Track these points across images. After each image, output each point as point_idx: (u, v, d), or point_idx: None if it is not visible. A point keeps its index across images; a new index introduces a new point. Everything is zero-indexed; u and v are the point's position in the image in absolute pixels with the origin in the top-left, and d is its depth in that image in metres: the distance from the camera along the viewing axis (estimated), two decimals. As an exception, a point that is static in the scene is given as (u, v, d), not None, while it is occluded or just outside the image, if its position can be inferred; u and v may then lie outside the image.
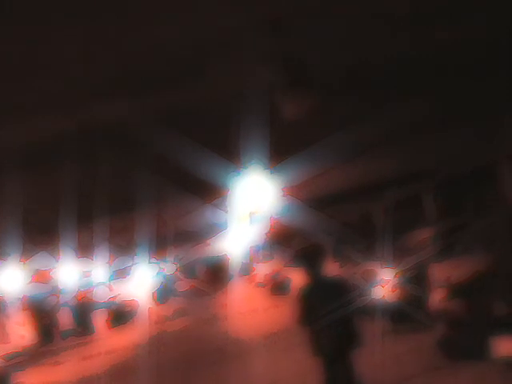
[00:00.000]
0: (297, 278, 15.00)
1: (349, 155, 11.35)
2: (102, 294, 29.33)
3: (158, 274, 32.76)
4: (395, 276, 12.37)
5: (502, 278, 9.33)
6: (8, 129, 9.09)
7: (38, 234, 15.45)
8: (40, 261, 20.67)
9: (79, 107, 8.78)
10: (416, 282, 11.66)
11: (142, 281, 31.28)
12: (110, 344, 22.86)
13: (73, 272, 24.68)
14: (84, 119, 9.21)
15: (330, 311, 8.07)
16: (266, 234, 24.27)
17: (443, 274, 10.52)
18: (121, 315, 28.84)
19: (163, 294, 32.15)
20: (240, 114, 9.00)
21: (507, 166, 12.59)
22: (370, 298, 12.82)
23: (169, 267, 33.61)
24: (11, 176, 10.62)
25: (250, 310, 21.99)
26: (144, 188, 12.25)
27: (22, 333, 25.19)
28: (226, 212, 16.82)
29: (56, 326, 26.66)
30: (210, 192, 13.48)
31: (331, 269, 15.35)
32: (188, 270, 34.48)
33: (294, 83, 7.83)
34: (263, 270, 27.92)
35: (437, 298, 10.39)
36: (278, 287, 23.95)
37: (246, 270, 31.13)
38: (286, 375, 11.12)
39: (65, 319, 26.90)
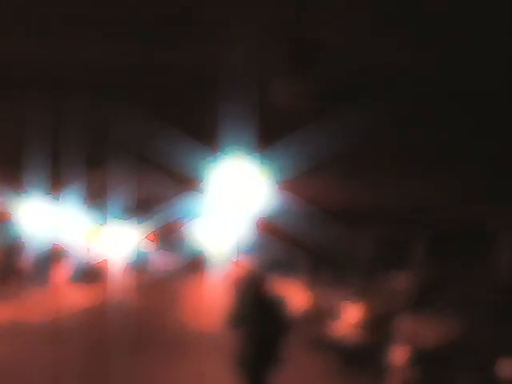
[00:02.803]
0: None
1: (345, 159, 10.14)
2: (73, 247, 28.44)
3: (136, 241, 31.81)
4: (360, 315, 11.17)
5: (471, 351, 8.32)
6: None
7: (14, 171, 14.63)
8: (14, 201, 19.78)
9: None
10: (380, 328, 10.46)
11: (118, 244, 30.43)
12: (61, 297, 22.77)
13: (48, 219, 23.69)
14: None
15: (262, 327, 7.84)
16: (250, 229, 23.17)
17: (411, 330, 9.32)
18: (86, 273, 28.07)
19: (135, 262, 31.27)
20: (230, 92, 7.94)
21: (506, 230, 11.73)
22: (327, 331, 11.85)
23: (148, 238, 32.66)
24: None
25: (208, 304, 21.43)
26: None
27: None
28: (207, 199, 15.82)
29: (15, 267, 25.70)
30: (187, 176, 12.50)
31: (293, 289, 14.58)
32: (166, 246, 33.55)
33: (300, 67, 6.96)
34: (237, 266, 26.83)
35: (397, 355, 9.19)
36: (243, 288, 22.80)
37: (220, 263, 30.06)
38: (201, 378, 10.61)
39: (27, 263, 26.02)
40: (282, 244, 17.04)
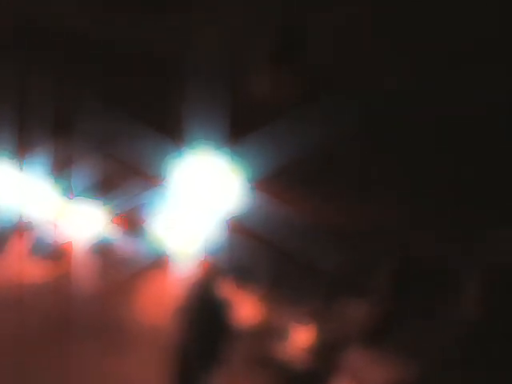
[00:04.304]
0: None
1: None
2: (37, 220, 27.68)
3: (101, 223, 31.03)
4: (310, 338, 10.55)
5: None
6: None
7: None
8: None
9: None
10: (328, 356, 9.81)
11: (83, 223, 29.68)
12: (18, 270, 22.48)
13: (13, 187, 22.95)
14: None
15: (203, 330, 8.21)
16: (218, 229, 22.54)
17: (359, 365, 8.67)
18: (47, 249, 27.41)
19: (99, 245, 30.52)
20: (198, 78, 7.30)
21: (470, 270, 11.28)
22: (272, 349, 11.22)
23: (114, 221, 31.89)
24: None
25: (162, 299, 20.77)
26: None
27: None
28: (172, 196, 15.16)
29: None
30: (151, 172, 11.86)
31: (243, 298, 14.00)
32: (131, 234, 32.77)
33: (283, 57, 6.45)
34: (199, 266, 26.16)
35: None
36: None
37: (184, 261, 29.36)
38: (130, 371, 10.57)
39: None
40: (248, 248, 16.40)
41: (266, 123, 8.39)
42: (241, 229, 16.96)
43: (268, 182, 12.25)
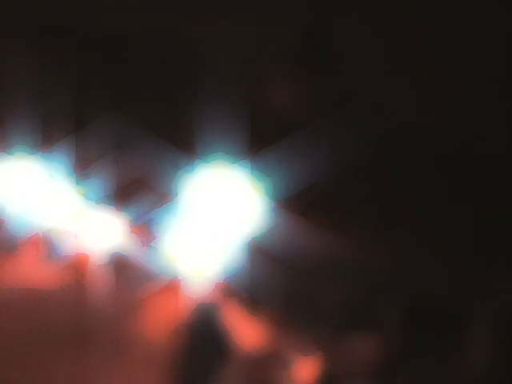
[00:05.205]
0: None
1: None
2: (55, 228, 27.60)
3: (120, 233, 30.77)
4: (315, 371, 10.17)
5: None
6: None
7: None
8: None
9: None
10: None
11: (102, 233, 29.49)
12: (29, 276, 22.60)
13: (33, 187, 22.83)
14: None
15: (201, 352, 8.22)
16: (236, 251, 22.11)
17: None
18: (62, 257, 27.34)
19: (115, 255, 30.32)
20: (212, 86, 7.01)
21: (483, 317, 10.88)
22: (275, 379, 10.86)
23: (133, 232, 31.72)
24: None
25: (170, 318, 20.71)
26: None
27: None
28: (185, 214, 14.75)
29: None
30: (162, 188, 11.49)
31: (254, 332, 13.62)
32: (146, 247, 32.57)
33: (307, 62, 6.29)
34: (212, 288, 25.76)
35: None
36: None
37: (197, 283, 28.91)
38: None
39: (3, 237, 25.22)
40: (265, 271, 16.00)
41: (289, 132, 7.89)
42: (260, 251, 16.50)
43: (293, 200, 11.61)
